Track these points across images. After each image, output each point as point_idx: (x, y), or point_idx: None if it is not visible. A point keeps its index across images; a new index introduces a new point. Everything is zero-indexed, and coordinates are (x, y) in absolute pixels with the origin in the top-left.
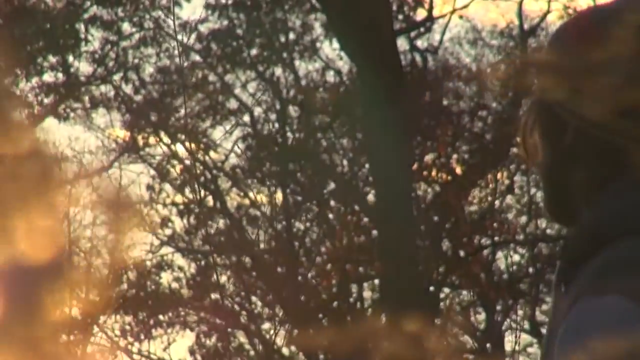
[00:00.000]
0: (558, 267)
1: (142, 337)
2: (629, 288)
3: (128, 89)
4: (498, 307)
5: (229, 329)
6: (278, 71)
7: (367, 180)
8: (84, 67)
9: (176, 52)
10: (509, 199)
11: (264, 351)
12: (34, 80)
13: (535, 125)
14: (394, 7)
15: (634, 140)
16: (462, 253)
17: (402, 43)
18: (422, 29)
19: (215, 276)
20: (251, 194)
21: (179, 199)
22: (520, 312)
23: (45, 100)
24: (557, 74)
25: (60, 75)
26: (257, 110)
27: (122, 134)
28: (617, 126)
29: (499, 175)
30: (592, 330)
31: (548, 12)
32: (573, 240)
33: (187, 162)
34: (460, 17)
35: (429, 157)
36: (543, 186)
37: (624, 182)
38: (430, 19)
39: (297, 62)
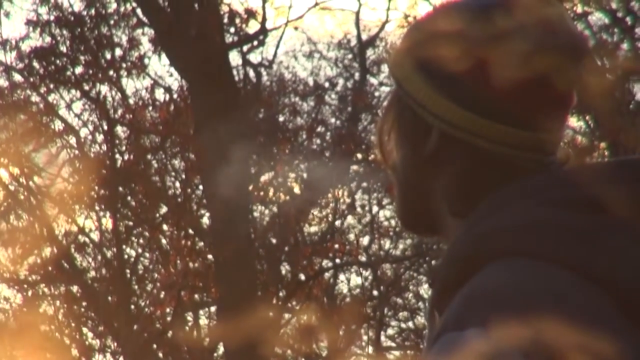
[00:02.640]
0: (430, 294)
1: None
2: (489, 320)
3: None
4: (341, 332)
5: None
6: (104, 90)
7: (201, 202)
8: None
9: None
10: (350, 218)
11: None
12: None
13: (394, 126)
14: (225, 20)
15: (507, 147)
16: (302, 276)
17: (234, 57)
18: (255, 42)
19: (43, 307)
20: (79, 220)
21: (3, 227)
22: (364, 337)
23: None
24: (463, 42)
25: None
26: (84, 132)
27: None
28: (486, 130)
29: (339, 194)
30: None
31: (387, 21)
32: (443, 266)
33: (11, 187)
34: (295, 28)
35: (265, 177)
36: (398, 192)
37: (496, 196)
38: (263, 31)
39: (124, 80)
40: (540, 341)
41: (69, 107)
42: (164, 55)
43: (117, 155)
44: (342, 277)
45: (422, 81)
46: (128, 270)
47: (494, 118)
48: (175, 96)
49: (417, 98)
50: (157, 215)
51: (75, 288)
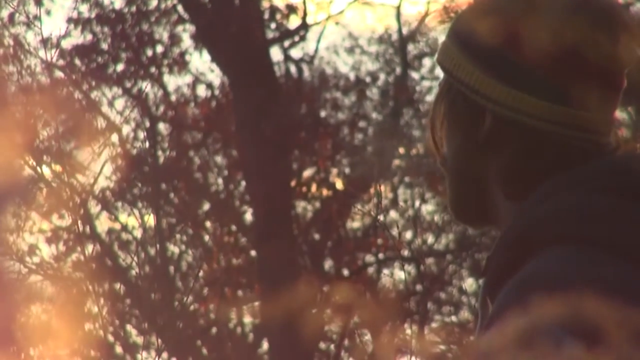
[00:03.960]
0: (483, 282)
1: None
2: (531, 299)
3: None
4: (384, 328)
5: None
6: (146, 86)
7: (243, 199)
8: None
9: (38, 69)
10: (393, 213)
11: None
12: None
13: (446, 116)
14: (266, 16)
15: (559, 126)
16: (345, 272)
17: (275, 53)
18: (296, 38)
19: (87, 305)
20: (122, 218)
21: (45, 225)
22: (408, 332)
23: None
24: (504, 18)
25: None
26: (126, 129)
27: None
28: (538, 110)
29: (381, 189)
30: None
31: (426, 14)
32: (497, 251)
33: (54, 185)
34: (337, 23)
35: (307, 172)
36: (451, 184)
37: (549, 183)
38: (304, 26)
39: (166, 77)
40: (581, 317)
41: (110, 104)
42: (205, 52)
43: (159, 152)
44: (385, 271)
45: (472, 66)
46: (171, 267)
47: (544, 97)
48: (216, 92)
49: (469, 83)
50: (200, 211)
51: (118, 286)
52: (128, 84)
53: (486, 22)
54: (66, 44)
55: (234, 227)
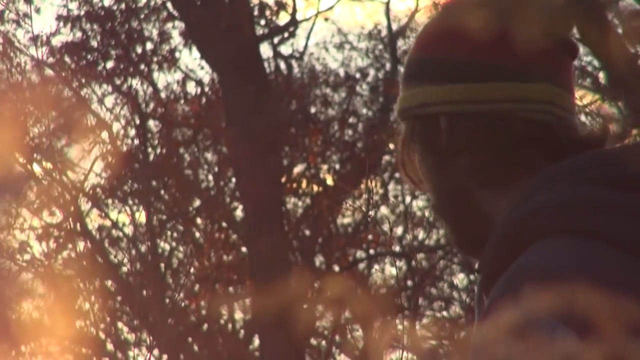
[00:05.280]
0: (479, 279)
1: None
2: (524, 290)
3: None
4: (376, 324)
5: (94, 358)
6: (136, 84)
7: (234, 195)
8: None
9: (28, 67)
10: (384, 209)
11: None
12: None
13: (414, 148)
14: (255, 12)
15: (509, 102)
16: (336, 268)
17: (265, 50)
18: (285, 34)
19: (78, 302)
20: (113, 215)
21: (36, 222)
22: (399, 327)
23: None
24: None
25: None
26: (116, 126)
27: None
28: (482, 94)
29: (372, 185)
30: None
31: (416, 10)
32: (491, 248)
33: (45, 182)
34: (326, 19)
35: (298, 169)
36: (444, 215)
37: (539, 174)
38: (294, 23)
39: (155, 74)
40: (574, 308)
41: (100, 101)
42: (194, 49)
43: (150, 149)
44: (376, 267)
45: (415, 88)
46: (162, 264)
47: (484, 79)
48: (206, 89)
49: (417, 104)
50: (191, 208)
51: (109, 283)
52: (118, 81)
53: (415, 44)
54: (56, 41)
55: (224, 224)
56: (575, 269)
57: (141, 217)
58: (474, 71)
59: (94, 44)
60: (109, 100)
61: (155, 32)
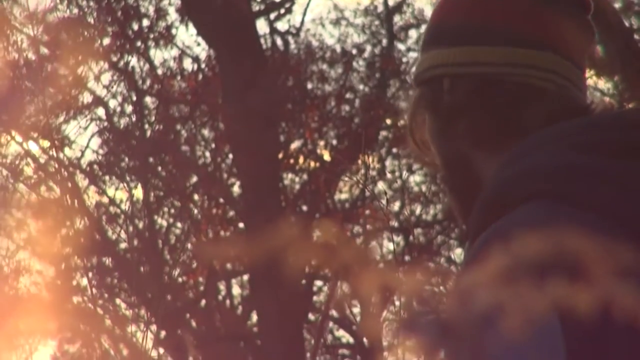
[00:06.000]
0: (466, 245)
1: (1, 347)
2: (509, 236)
3: None
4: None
5: (93, 334)
6: (133, 61)
7: (231, 171)
8: None
9: (24, 45)
10: (381, 184)
11: (130, 355)
12: None
13: (419, 105)
14: None
15: (509, 67)
16: (334, 243)
17: (261, 26)
18: (282, 10)
19: (76, 279)
20: (110, 191)
21: (34, 199)
22: (397, 303)
23: None
24: None
25: None
26: (113, 103)
27: None
28: (485, 56)
29: (368, 160)
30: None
31: None
32: (474, 214)
33: (42, 160)
34: None
35: (295, 145)
36: (447, 181)
37: (528, 139)
38: None
39: (152, 51)
40: (562, 252)
41: (97, 78)
42: (191, 25)
43: (147, 126)
44: (374, 242)
45: (426, 52)
46: (160, 241)
47: (489, 43)
48: (203, 66)
49: (423, 69)
50: (188, 184)
51: (107, 259)
52: (114, 58)
53: (430, 15)
54: (52, 18)
55: (221, 200)
56: (556, 225)
57: (138, 193)
58: (476, 35)
59: (91, 20)
60: (106, 77)
61: (151, 9)
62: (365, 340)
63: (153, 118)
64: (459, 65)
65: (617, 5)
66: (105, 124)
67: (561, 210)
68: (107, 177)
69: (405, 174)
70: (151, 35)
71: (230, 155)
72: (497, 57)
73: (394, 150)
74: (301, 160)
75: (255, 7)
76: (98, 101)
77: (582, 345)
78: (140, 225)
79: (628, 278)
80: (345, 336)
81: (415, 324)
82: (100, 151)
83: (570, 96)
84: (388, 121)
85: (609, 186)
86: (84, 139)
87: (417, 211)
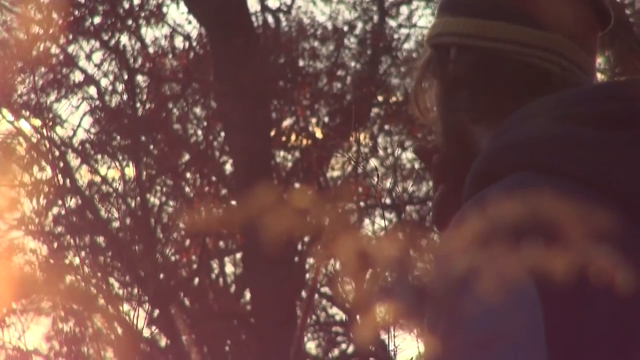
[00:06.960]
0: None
1: None
2: (487, 201)
3: None
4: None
5: (86, 313)
6: (124, 39)
7: (223, 149)
8: None
9: (14, 24)
10: (373, 161)
11: (124, 334)
12: None
13: (426, 70)
14: None
15: (518, 45)
16: (326, 220)
17: (252, 3)
18: None
19: (69, 258)
20: (102, 170)
21: (26, 179)
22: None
23: None
24: None
25: None
26: (104, 82)
27: None
28: (495, 31)
29: (361, 137)
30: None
31: None
32: (466, 186)
33: (33, 139)
34: None
35: (287, 122)
36: (445, 149)
37: (519, 111)
38: None
39: (143, 29)
40: (538, 216)
41: (88, 57)
42: (182, 3)
43: (138, 104)
44: (366, 219)
45: (440, 20)
46: (152, 219)
47: (500, 18)
48: (194, 44)
49: (434, 34)
50: (180, 163)
51: (100, 238)
52: (105, 37)
53: None
54: None
55: (214, 178)
56: (538, 190)
57: (130, 172)
58: (488, 9)
59: None
60: (97, 56)
61: None
62: (357, 317)
63: (145, 96)
64: (467, 36)
65: None
66: (97, 102)
67: (541, 178)
68: (99, 156)
69: (397, 150)
70: (142, 14)
71: (222, 133)
72: (505, 34)
73: (386, 127)
74: (293, 137)
75: None
76: (89, 80)
77: (559, 308)
78: (133, 203)
79: (605, 243)
80: (339, 313)
81: (393, 289)
82: (92, 130)
83: (574, 80)
84: (380, 98)
85: (591, 155)
86: (75, 117)
87: (410, 188)
